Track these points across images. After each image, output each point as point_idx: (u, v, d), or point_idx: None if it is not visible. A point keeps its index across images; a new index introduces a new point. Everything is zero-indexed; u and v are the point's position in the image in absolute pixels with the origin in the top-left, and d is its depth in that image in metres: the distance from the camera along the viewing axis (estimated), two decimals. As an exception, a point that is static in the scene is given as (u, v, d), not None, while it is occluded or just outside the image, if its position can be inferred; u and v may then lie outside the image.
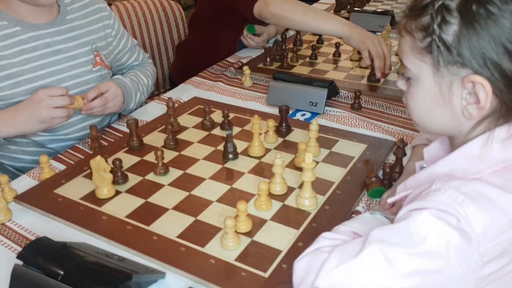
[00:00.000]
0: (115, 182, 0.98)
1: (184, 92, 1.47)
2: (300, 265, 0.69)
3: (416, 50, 0.66)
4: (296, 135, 1.18)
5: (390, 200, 0.79)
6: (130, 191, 0.98)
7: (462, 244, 0.58)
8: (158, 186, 0.99)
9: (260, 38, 1.82)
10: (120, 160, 0.99)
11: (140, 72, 1.40)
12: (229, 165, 1.06)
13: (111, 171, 0.94)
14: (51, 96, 1.08)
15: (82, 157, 1.13)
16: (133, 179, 1.01)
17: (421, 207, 0.62)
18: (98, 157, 0.92)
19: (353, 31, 1.43)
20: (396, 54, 1.67)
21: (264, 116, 1.19)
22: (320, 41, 1.87)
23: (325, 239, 0.71)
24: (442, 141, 0.77)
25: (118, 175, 0.99)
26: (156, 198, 0.95)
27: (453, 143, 0.71)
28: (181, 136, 1.19)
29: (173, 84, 1.80)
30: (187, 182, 1.00)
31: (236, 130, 1.20)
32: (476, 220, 0.59)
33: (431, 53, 0.64)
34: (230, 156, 1.07)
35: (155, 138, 1.18)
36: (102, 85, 1.20)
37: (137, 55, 1.45)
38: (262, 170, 1.04)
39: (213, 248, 0.81)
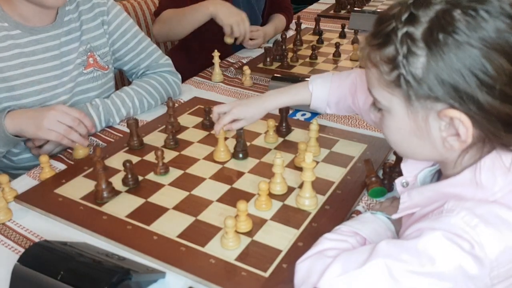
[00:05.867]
0: (125, 184, 0.98)
1: (184, 92, 1.47)
2: (303, 266, 0.69)
3: (384, 83, 0.61)
4: (296, 135, 1.18)
5: (395, 217, 0.73)
6: (130, 191, 0.98)
7: (474, 269, 0.55)
8: (158, 186, 0.99)
9: (255, 34, 1.74)
10: (130, 162, 0.98)
11: (143, 82, 1.34)
12: (229, 165, 1.06)
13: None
14: (65, 112, 1.06)
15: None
16: (133, 179, 1.01)
17: (433, 228, 0.58)
18: None
19: (218, 8, 1.56)
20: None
21: (264, 116, 1.19)
22: (320, 41, 1.86)
23: (327, 240, 0.71)
24: None
25: (129, 177, 0.98)
26: (156, 198, 0.95)
27: (443, 162, 0.67)
28: (181, 136, 1.19)
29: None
30: (187, 182, 1.00)
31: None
32: (491, 246, 0.55)
33: (400, 87, 0.59)
34: (240, 155, 1.07)
35: (155, 138, 1.18)
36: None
37: (145, 57, 1.37)
38: (262, 170, 1.04)
39: (213, 248, 0.81)
